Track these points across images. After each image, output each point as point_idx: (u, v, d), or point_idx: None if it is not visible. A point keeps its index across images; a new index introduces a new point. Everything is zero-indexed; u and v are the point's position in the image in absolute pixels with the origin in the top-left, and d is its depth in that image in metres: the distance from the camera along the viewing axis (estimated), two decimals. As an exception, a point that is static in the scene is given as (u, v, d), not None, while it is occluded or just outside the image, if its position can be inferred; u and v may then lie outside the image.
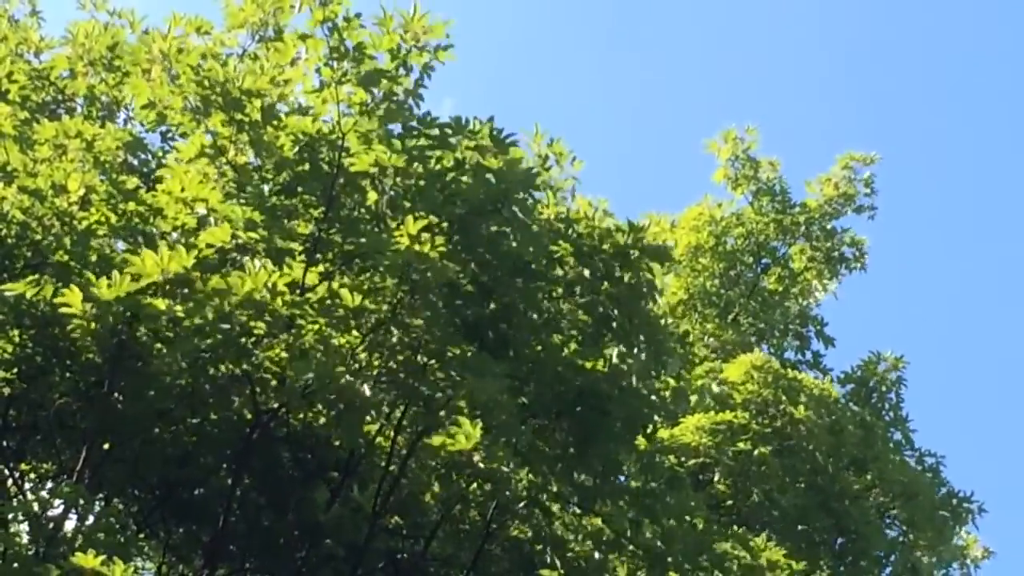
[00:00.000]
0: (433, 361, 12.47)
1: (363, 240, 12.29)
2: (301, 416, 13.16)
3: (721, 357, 20.26)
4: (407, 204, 12.46)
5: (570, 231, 13.25)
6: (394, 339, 12.61)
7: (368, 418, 12.83)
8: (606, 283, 13.16)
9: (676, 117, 44.28)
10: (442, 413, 12.34)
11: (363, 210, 12.82)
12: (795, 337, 23.15)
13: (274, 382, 12.23)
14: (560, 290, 13.29)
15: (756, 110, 51.95)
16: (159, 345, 12.15)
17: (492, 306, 12.84)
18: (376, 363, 12.56)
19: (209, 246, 11.87)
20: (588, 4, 44.24)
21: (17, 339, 12.76)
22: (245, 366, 12.05)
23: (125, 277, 11.12)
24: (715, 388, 18.18)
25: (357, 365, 12.59)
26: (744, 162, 23.78)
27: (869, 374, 22.34)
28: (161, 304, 11.32)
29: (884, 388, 22.29)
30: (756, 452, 17.32)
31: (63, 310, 11.31)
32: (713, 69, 44.69)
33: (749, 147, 23.83)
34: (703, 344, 21.44)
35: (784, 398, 18.49)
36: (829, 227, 23.65)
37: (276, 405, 12.51)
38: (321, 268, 12.56)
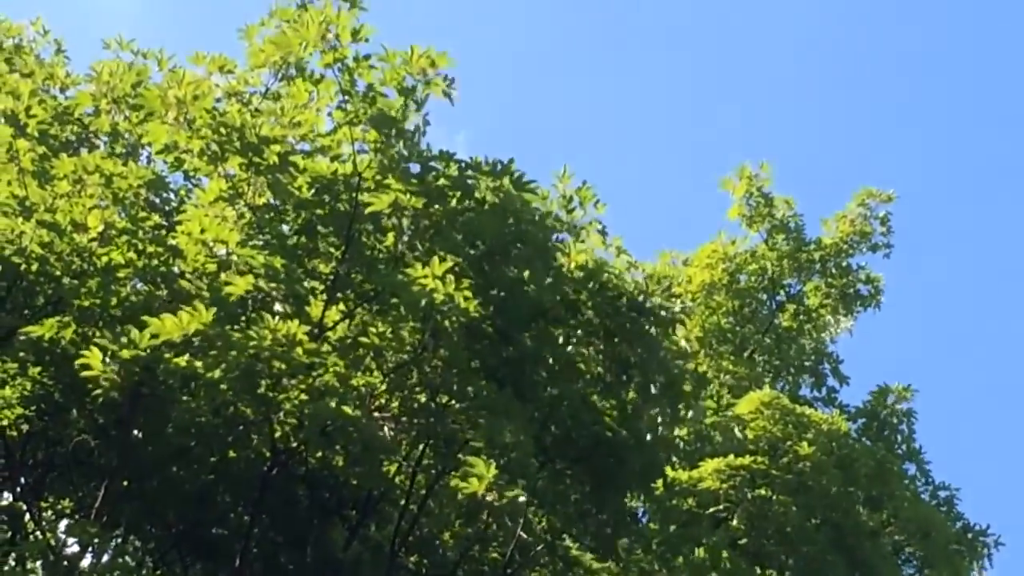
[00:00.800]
0: (452, 401, 12.46)
1: (381, 278, 12.26)
2: (320, 454, 13.13)
3: (737, 394, 20.14)
4: (425, 245, 12.45)
5: (591, 283, 13.12)
6: (414, 379, 12.60)
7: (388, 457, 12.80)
8: (627, 328, 13.10)
9: (692, 152, 44.27)
10: (460, 455, 12.31)
11: (382, 249, 12.80)
12: (811, 374, 23.03)
13: (293, 421, 12.21)
14: (580, 333, 13.22)
15: (773, 147, 51.85)
16: (179, 390, 12.15)
17: (510, 349, 12.81)
18: (396, 404, 12.54)
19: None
20: (604, 39, 44.32)
21: (36, 376, 12.78)
22: (264, 409, 12.03)
23: (145, 334, 11.05)
24: (737, 431, 18.03)
25: (377, 404, 12.58)
26: (759, 199, 23.70)
27: (878, 407, 22.23)
28: (181, 361, 11.28)
29: (895, 420, 22.17)
30: (775, 498, 17.17)
31: (85, 374, 11.23)
32: (729, 105, 44.69)
33: (763, 184, 23.72)
34: (719, 382, 21.32)
35: (793, 432, 18.39)
36: (844, 264, 23.56)
37: (295, 444, 12.49)
38: (341, 307, 12.54)
